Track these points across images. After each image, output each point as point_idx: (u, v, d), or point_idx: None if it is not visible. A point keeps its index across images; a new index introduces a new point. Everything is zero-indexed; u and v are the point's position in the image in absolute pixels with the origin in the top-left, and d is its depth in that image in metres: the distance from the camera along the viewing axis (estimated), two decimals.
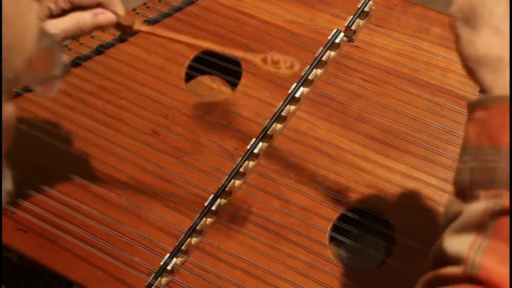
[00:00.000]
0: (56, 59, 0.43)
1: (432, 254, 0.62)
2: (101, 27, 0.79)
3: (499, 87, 0.58)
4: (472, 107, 0.59)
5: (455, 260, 0.56)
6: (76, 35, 0.77)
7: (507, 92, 0.57)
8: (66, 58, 0.43)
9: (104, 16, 0.78)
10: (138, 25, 0.80)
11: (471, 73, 0.61)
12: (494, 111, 0.57)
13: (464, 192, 0.59)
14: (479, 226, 0.55)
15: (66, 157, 0.99)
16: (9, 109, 0.41)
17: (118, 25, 0.79)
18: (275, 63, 0.74)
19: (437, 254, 0.60)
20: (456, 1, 0.61)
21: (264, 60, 0.74)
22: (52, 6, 0.74)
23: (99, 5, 0.78)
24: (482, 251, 0.55)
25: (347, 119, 0.97)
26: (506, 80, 0.57)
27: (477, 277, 0.54)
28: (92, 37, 1.10)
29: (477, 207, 0.56)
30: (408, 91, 0.98)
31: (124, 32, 0.81)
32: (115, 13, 0.78)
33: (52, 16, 0.75)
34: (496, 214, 0.55)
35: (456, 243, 0.57)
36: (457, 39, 0.62)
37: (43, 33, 0.40)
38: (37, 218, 0.95)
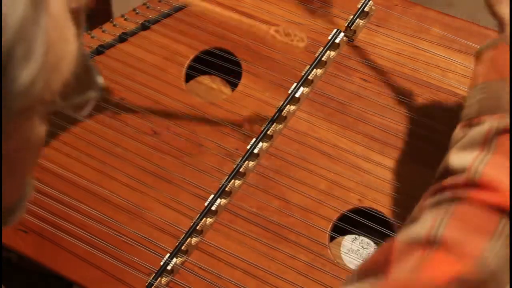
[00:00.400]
0: (91, 81, 0.43)
1: (437, 172, 0.66)
2: None
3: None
4: (481, 50, 0.65)
5: (459, 172, 0.61)
6: None
7: None
8: (101, 80, 0.43)
9: None
10: None
11: (491, 10, 0.67)
12: (502, 49, 0.63)
13: (470, 122, 0.64)
14: (483, 143, 0.61)
15: (66, 158, 0.99)
16: (42, 130, 0.42)
17: None
18: (288, 35, 0.74)
19: (443, 170, 0.64)
20: None
21: (277, 32, 0.75)
22: None
23: None
24: (485, 162, 0.60)
25: (347, 119, 0.97)
26: None
27: (479, 181, 0.59)
28: (92, 37, 1.10)
29: (482, 128, 0.62)
30: (408, 91, 0.98)
31: None
32: None
33: None
34: (499, 132, 0.60)
35: (461, 158, 0.62)
36: None
37: (81, 56, 0.41)
38: (37, 218, 0.95)
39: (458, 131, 0.66)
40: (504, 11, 0.66)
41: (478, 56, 0.67)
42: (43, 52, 0.36)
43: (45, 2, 0.36)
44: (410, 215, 0.65)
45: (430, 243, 0.59)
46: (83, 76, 0.42)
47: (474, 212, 0.59)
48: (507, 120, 0.61)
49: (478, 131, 0.62)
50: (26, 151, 0.42)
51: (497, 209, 0.58)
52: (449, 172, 0.62)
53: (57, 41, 0.38)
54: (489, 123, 0.62)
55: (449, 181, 0.62)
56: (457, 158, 0.63)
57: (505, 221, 0.58)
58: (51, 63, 0.38)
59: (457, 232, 0.59)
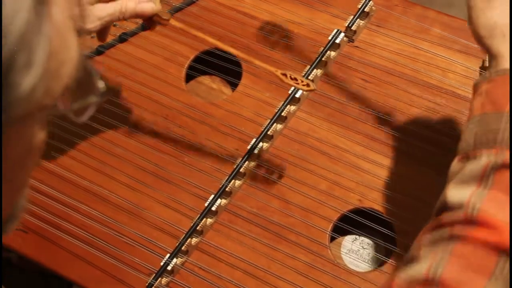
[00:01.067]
0: (92, 86, 0.43)
1: (435, 208, 0.65)
2: (138, 16, 0.83)
3: (507, 52, 0.64)
4: (478, 84, 0.65)
5: (456, 207, 0.61)
6: (118, 20, 0.82)
7: None
8: (102, 84, 0.43)
9: (146, 6, 0.83)
10: (174, 21, 0.84)
11: (481, 39, 0.67)
12: (497, 82, 0.63)
13: (467, 155, 0.63)
14: (480, 178, 0.60)
15: (65, 157, 0.99)
16: (42, 136, 0.42)
17: (151, 18, 0.84)
18: (294, 79, 0.77)
19: (440, 205, 0.64)
20: None
21: (284, 75, 0.78)
22: None
23: None
24: (482, 198, 0.59)
25: (347, 119, 0.97)
26: None
27: (476, 218, 0.59)
28: (92, 37, 1.09)
29: (479, 163, 0.61)
30: (408, 92, 0.98)
31: (151, 25, 0.85)
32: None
33: (100, 1, 0.80)
34: (497, 167, 0.60)
35: (458, 193, 0.61)
36: (470, 9, 0.67)
37: (81, 61, 0.41)
38: (37, 218, 0.95)
39: (455, 164, 0.65)
40: (498, 45, 0.65)
41: (474, 88, 0.66)
42: (44, 59, 0.36)
43: (47, 9, 0.36)
44: (409, 251, 0.65)
45: (430, 282, 0.59)
46: (84, 81, 0.42)
47: (473, 251, 0.58)
48: (505, 155, 0.60)
49: (475, 165, 0.62)
50: (25, 158, 0.42)
51: (496, 248, 0.58)
52: (447, 207, 0.62)
53: (58, 48, 0.38)
54: (486, 158, 0.61)
55: (447, 217, 0.61)
56: (455, 193, 0.62)
57: (505, 260, 0.58)
58: (52, 69, 0.38)
59: (456, 272, 0.58)
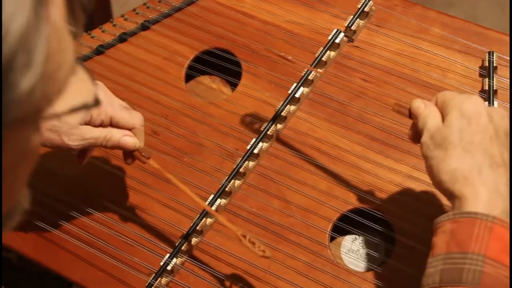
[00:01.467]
0: (87, 91, 0.43)
1: None
2: (120, 148, 0.85)
3: (472, 194, 0.69)
4: (441, 222, 0.70)
5: None
6: (100, 146, 0.83)
7: (479, 199, 0.68)
8: (97, 90, 0.43)
9: (130, 140, 0.84)
10: (153, 162, 0.86)
11: (443, 185, 0.71)
12: (462, 224, 0.68)
13: None
14: None
15: (65, 157, 0.99)
16: (38, 139, 0.42)
17: (131, 152, 0.86)
18: (252, 242, 0.80)
19: None
20: (427, 130, 0.74)
21: (244, 236, 0.80)
22: (95, 115, 0.81)
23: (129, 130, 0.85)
24: None
25: (347, 119, 0.97)
26: (478, 189, 0.69)
27: None
28: (92, 37, 1.10)
29: None
30: (408, 91, 0.98)
31: (129, 158, 0.87)
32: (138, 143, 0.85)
33: (89, 123, 0.81)
34: None
35: None
36: (429, 159, 0.73)
37: (77, 66, 0.41)
38: (37, 219, 0.95)
39: None
40: (461, 189, 0.69)
41: (436, 226, 0.71)
42: (43, 60, 0.36)
43: (46, 10, 0.36)
44: None
45: None
46: (79, 85, 0.42)
47: None
48: None
49: None
50: (21, 161, 0.42)
51: None
52: None
53: (55, 50, 0.38)
54: None
55: None
56: None
57: None
58: (50, 72, 0.38)
59: None
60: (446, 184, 0.71)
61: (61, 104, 0.41)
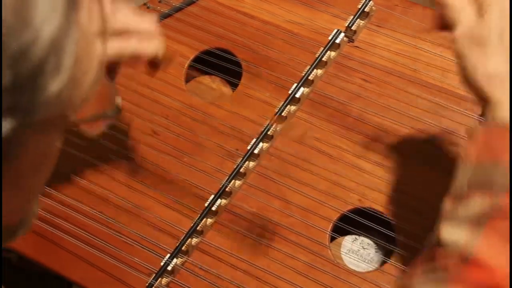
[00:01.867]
0: (109, 100, 0.43)
1: (429, 241, 0.65)
2: (140, 56, 0.74)
3: (507, 100, 0.63)
4: (474, 130, 0.65)
5: (451, 247, 0.61)
6: (116, 60, 0.73)
7: None
8: (119, 100, 0.43)
9: (149, 44, 0.74)
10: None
11: (477, 89, 0.65)
12: (495, 133, 0.63)
13: (461, 196, 0.63)
14: (475, 221, 0.60)
15: (65, 157, 0.98)
16: (58, 145, 0.43)
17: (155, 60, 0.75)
18: None
19: (434, 242, 0.63)
20: (462, 25, 0.68)
21: None
22: None
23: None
24: (477, 241, 0.59)
25: (347, 119, 0.97)
26: None
27: (471, 260, 0.59)
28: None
29: (474, 205, 0.61)
30: (408, 92, 0.98)
31: (153, 68, 0.76)
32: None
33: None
34: (491, 212, 0.59)
35: (452, 233, 0.61)
36: (463, 58, 0.67)
37: (102, 73, 0.41)
38: (37, 218, 0.95)
39: (448, 204, 0.65)
40: (497, 93, 0.64)
41: (469, 133, 0.66)
42: (72, 65, 0.37)
43: (76, 14, 0.37)
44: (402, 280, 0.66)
45: None
46: (102, 94, 0.42)
47: None
48: (500, 200, 0.60)
49: (469, 208, 0.61)
50: (41, 165, 0.42)
51: None
52: (441, 245, 0.62)
53: (83, 55, 0.38)
54: (480, 201, 0.61)
55: (440, 255, 0.61)
56: (449, 233, 0.62)
57: None
58: (76, 77, 0.38)
59: None
60: (481, 87, 0.65)
61: (85, 111, 0.41)
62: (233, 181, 0.92)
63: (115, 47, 0.71)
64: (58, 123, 0.39)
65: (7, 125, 0.35)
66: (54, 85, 0.36)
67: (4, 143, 0.35)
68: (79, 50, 0.37)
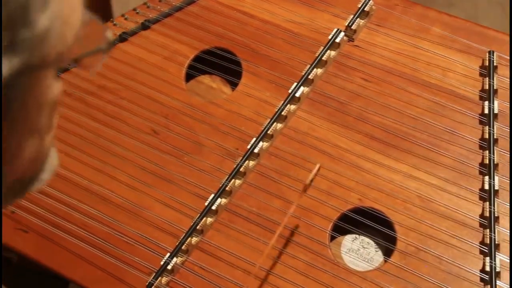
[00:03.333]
0: (100, 34, 0.44)
1: None
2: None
3: None
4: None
5: None
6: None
7: None
8: (110, 33, 0.45)
9: None
10: None
11: None
12: None
13: None
14: None
15: (66, 157, 0.99)
16: (57, 87, 0.44)
17: None
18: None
19: None
20: None
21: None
22: None
23: None
24: None
25: (347, 118, 0.97)
26: None
27: None
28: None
29: None
30: (408, 91, 0.98)
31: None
32: None
33: None
34: None
35: None
36: None
37: (87, 12, 0.43)
38: (38, 218, 0.95)
39: None
40: None
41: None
42: (58, 0, 0.38)
43: None
44: None
45: None
46: (91, 29, 0.43)
47: None
48: None
49: None
50: (43, 108, 0.43)
51: None
52: None
53: None
54: None
55: None
56: None
57: None
58: (65, 14, 0.39)
59: None
60: None
61: (77, 49, 0.42)
62: (233, 180, 0.92)
63: None
64: (52, 61, 0.40)
65: (9, 63, 0.36)
66: (43, 19, 0.37)
67: (7, 83, 0.37)
68: None
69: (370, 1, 1.04)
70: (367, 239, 0.93)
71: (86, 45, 0.44)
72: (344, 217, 0.91)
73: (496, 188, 0.89)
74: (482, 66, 1.00)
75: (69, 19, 0.40)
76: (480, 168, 0.92)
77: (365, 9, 1.03)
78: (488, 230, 0.87)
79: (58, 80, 0.43)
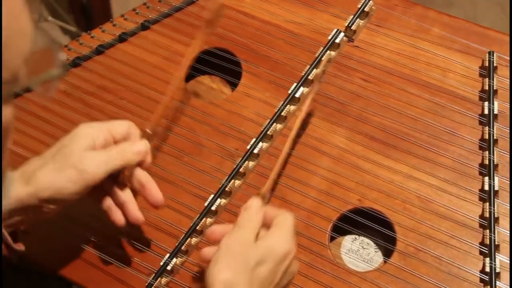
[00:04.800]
0: (54, 59, 0.43)
1: None
2: (136, 156, 0.83)
3: None
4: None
5: None
6: (115, 166, 0.81)
7: None
8: (64, 57, 0.44)
9: (142, 143, 0.84)
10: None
11: None
12: None
13: None
14: None
15: None
16: (8, 112, 0.42)
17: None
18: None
19: None
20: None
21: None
22: (95, 137, 0.80)
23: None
24: None
25: (347, 119, 0.97)
26: None
27: None
28: (92, 37, 1.09)
29: None
30: (408, 91, 0.99)
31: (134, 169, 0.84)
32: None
33: (94, 147, 0.80)
34: None
35: None
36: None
37: (39, 33, 0.41)
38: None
39: None
40: None
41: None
42: None
43: None
44: None
45: None
46: (44, 54, 0.42)
47: None
48: None
49: None
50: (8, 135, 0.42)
51: None
52: None
53: (7, 17, 0.38)
54: None
55: None
56: None
57: None
58: (5, 40, 0.37)
59: None
60: None
61: (29, 74, 0.41)
62: (232, 181, 0.92)
63: (113, 149, 0.80)
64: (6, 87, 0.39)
65: None
66: None
67: None
68: (3, 14, 0.37)
69: (370, 2, 1.04)
70: (366, 240, 0.93)
71: (37, 70, 0.43)
72: (343, 218, 0.91)
73: (496, 188, 0.89)
74: (482, 67, 1.00)
75: (13, 46, 0.38)
76: (480, 168, 0.92)
77: (365, 9, 1.03)
78: (488, 230, 0.87)
79: (9, 106, 0.42)
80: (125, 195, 0.83)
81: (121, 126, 0.83)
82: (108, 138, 0.81)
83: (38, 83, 0.42)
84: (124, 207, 0.83)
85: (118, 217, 0.83)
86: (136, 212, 0.83)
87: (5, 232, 0.76)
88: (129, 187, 0.84)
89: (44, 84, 0.43)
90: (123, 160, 0.81)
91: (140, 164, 0.84)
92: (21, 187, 0.75)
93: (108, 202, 0.83)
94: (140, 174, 0.83)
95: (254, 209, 0.77)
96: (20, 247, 0.79)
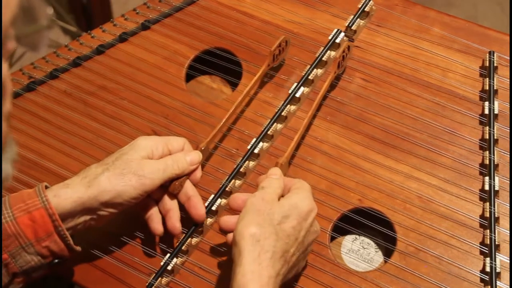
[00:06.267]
0: (40, 12, 0.44)
1: None
2: (189, 166, 0.88)
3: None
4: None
5: None
6: (171, 175, 0.86)
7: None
8: (50, 10, 0.44)
9: (195, 153, 0.89)
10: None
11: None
12: None
13: None
14: None
15: (66, 157, 0.99)
16: (5, 67, 0.43)
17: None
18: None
19: None
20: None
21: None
22: (154, 149, 0.86)
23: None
24: None
25: (347, 119, 0.97)
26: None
27: None
28: (92, 37, 1.09)
29: None
30: (408, 91, 0.99)
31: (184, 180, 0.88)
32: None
33: (152, 157, 0.86)
34: None
35: None
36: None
37: None
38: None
39: None
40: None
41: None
42: None
43: None
44: None
45: None
46: (31, 8, 0.43)
47: None
48: None
49: None
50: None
51: None
52: None
53: None
54: None
55: None
56: None
57: None
58: None
59: None
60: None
61: (18, 28, 0.41)
62: (233, 180, 0.92)
63: (169, 159, 0.86)
64: None
65: None
66: None
67: None
68: None
69: (370, 1, 1.04)
70: (367, 240, 0.93)
71: (26, 23, 0.43)
72: (344, 218, 0.91)
73: (496, 188, 0.89)
74: (482, 67, 1.00)
75: (4, 3, 0.39)
76: (480, 168, 0.92)
77: (365, 9, 1.03)
78: (488, 230, 0.87)
79: (4, 61, 0.43)
80: (172, 203, 0.87)
81: (177, 141, 0.88)
82: (165, 151, 0.86)
83: (27, 36, 0.43)
84: (167, 215, 0.87)
85: (156, 226, 0.87)
86: (176, 222, 0.87)
87: (66, 232, 0.80)
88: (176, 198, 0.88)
89: (33, 37, 0.43)
90: (179, 169, 0.86)
91: (190, 176, 0.88)
92: (83, 190, 0.81)
93: (151, 211, 0.87)
94: (188, 187, 0.88)
95: (275, 176, 0.83)
96: (77, 248, 0.82)
